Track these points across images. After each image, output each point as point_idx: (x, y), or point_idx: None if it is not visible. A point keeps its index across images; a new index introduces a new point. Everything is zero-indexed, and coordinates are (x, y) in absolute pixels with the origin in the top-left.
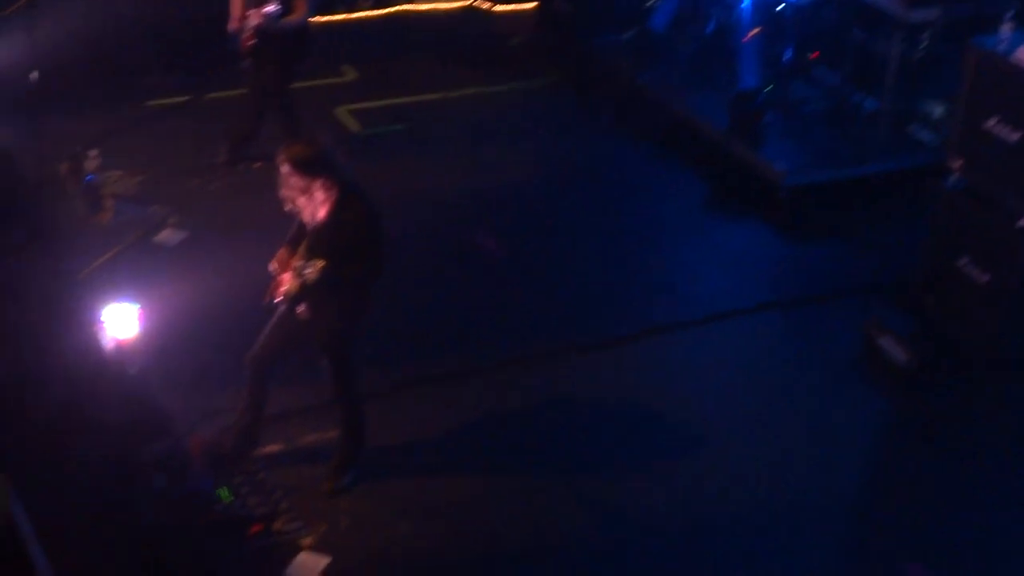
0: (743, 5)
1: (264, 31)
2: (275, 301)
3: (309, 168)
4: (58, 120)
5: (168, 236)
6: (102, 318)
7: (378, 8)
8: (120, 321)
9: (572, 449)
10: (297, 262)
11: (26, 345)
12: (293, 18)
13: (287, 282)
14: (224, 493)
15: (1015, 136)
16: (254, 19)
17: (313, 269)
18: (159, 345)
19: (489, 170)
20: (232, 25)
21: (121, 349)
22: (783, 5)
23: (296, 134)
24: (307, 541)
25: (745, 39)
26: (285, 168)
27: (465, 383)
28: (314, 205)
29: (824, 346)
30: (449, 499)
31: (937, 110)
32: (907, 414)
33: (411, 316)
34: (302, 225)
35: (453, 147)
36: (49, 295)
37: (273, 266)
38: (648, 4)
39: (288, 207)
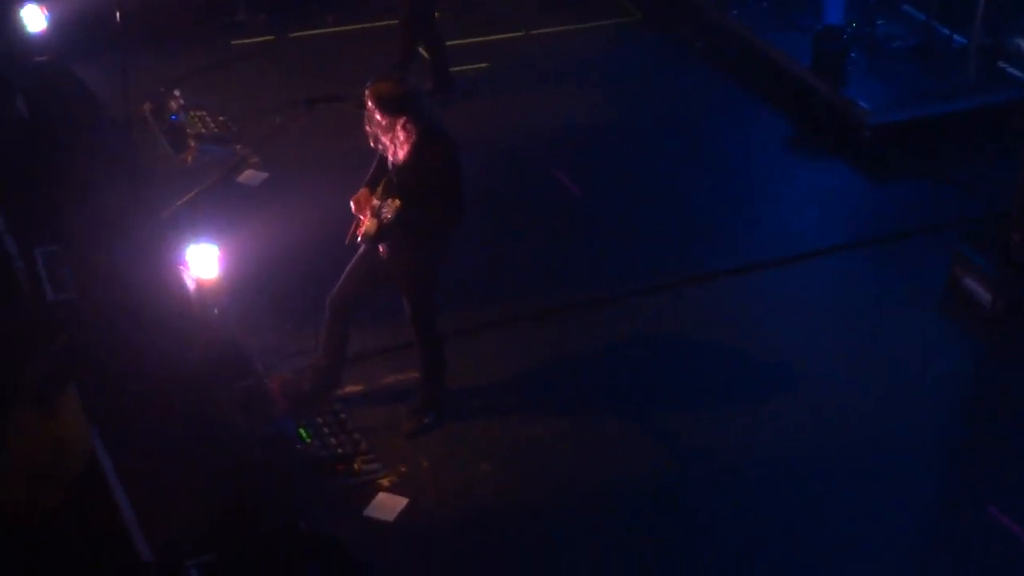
0: None
1: None
2: (356, 241)
3: (393, 106)
4: (142, 60)
5: (250, 176)
6: (184, 258)
7: None
8: (202, 261)
9: (657, 389)
10: (376, 202)
11: (113, 284)
12: None
13: (367, 222)
14: (304, 433)
15: None
16: None
17: (390, 209)
18: (240, 286)
19: (571, 108)
20: None
21: (203, 289)
22: None
23: (442, 65)
24: (386, 481)
25: None
26: (370, 104)
27: (548, 323)
28: (397, 145)
29: (910, 284)
30: (530, 440)
31: None
32: (992, 355)
33: (492, 257)
34: (382, 163)
35: (535, 85)
36: (135, 234)
37: (353, 206)
38: None
39: (373, 144)
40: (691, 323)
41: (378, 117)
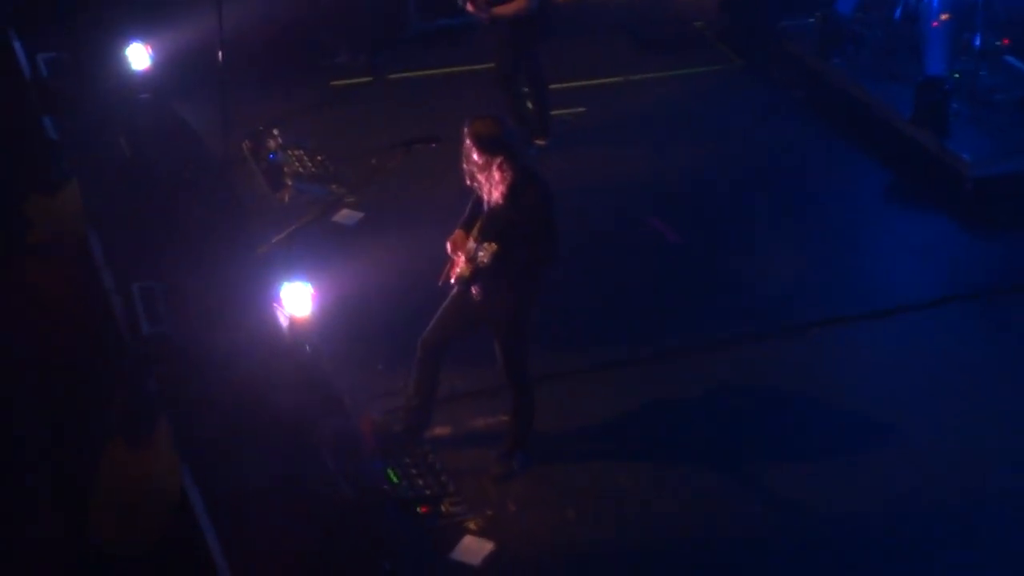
0: None
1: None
2: (450, 283)
3: (489, 146)
4: (243, 99)
5: (345, 216)
6: (279, 296)
7: None
8: (295, 299)
9: (752, 439)
10: (471, 244)
11: (208, 320)
12: (511, 7)
13: (461, 264)
14: (392, 474)
15: None
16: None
17: (486, 252)
18: (332, 325)
19: (668, 154)
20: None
21: (296, 328)
22: None
23: (517, 115)
24: (473, 524)
25: (933, 24)
26: (467, 143)
27: (640, 369)
28: (492, 184)
29: (1015, 340)
30: (619, 488)
31: None
32: None
33: (586, 301)
34: (477, 204)
35: (632, 131)
36: (231, 271)
37: (448, 247)
38: None
39: (468, 181)
40: (788, 374)
41: (475, 156)
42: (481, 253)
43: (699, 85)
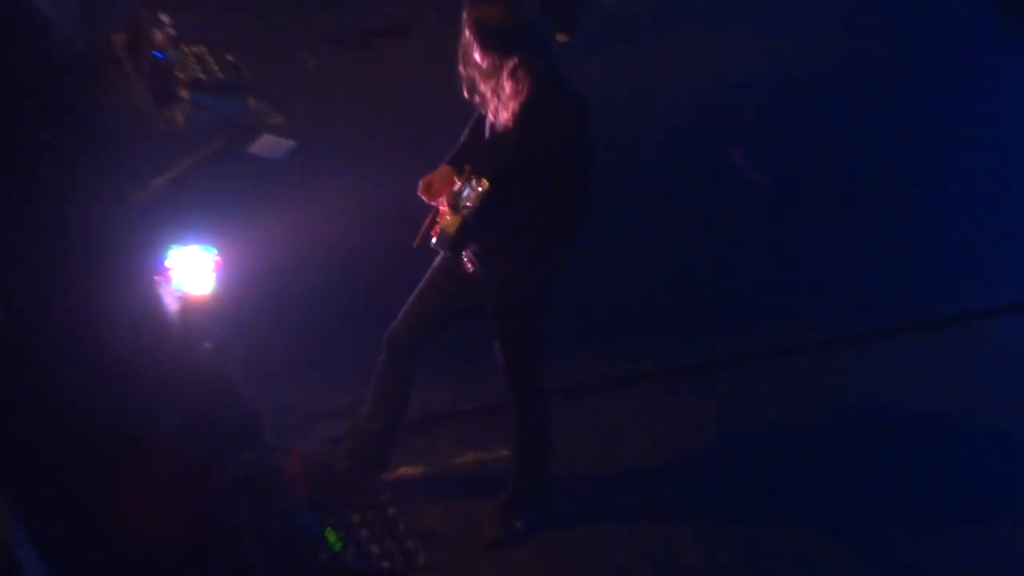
0: None
1: None
2: (430, 245)
3: (500, 39)
4: None
5: (268, 145)
6: (165, 265)
7: None
8: (191, 271)
9: (845, 482)
10: (458, 183)
11: (53, 302)
12: None
13: (445, 216)
14: (332, 536)
15: None
16: None
17: (474, 193)
18: (247, 310)
19: (762, 56)
20: None
21: (191, 313)
22: None
23: None
24: None
25: None
26: (468, 34)
27: (699, 383)
28: (500, 99)
29: None
30: (661, 556)
31: None
32: None
33: (625, 281)
34: (478, 128)
35: (709, 20)
36: (89, 228)
37: (422, 188)
38: None
39: (467, 94)
40: (905, 384)
41: (477, 55)
42: (467, 195)
43: None
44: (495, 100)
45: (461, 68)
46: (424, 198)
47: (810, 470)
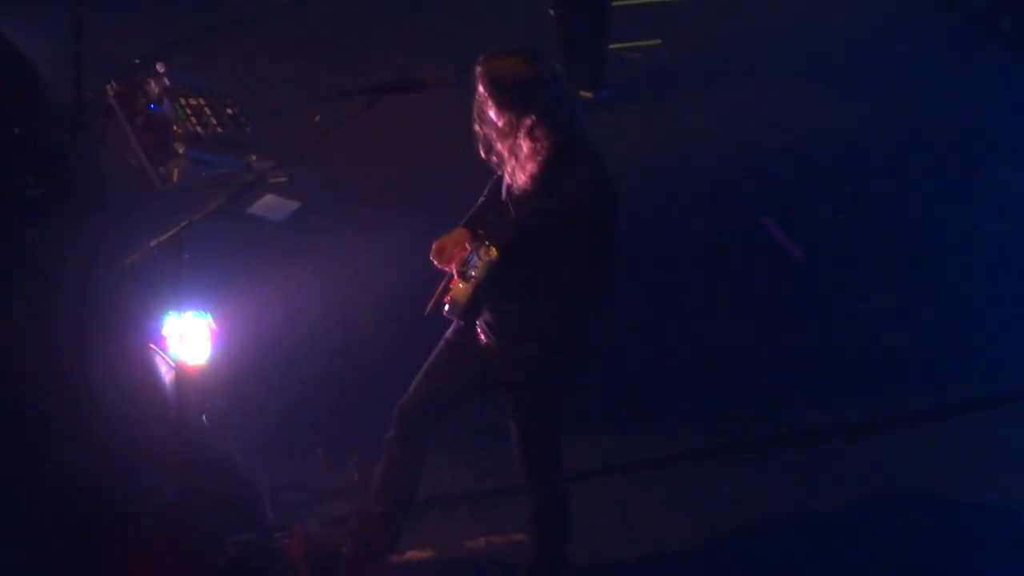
0: None
1: None
2: (443, 312)
3: (517, 96)
4: (111, 16)
5: (270, 205)
6: (160, 334)
7: None
8: (187, 339)
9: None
10: (471, 247)
11: (39, 375)
12: None
13: (456, 284)
14: None
15: None
16: None
17: (481, 262)
18: (246, 381)
19: (795, 116)
20: None
21: (186, 384)
22: None
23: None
24: None
25: None
26: (482, 90)
27: (718, 464)
28: (517, 160)
29: None
30: None
31: None
32: None
33: (650, 354)
34: (496, 191)
35: (737, 78)
36: (78, 293)
37: (434, 252)
38: None
39: (483, 153)
40: (946, 470)
41: (492, 113)
42: (474, 261)
43: (845, 6)
44: (512, 161)
45: (476, 127)
46: (436, 263)
47: (837, 557)
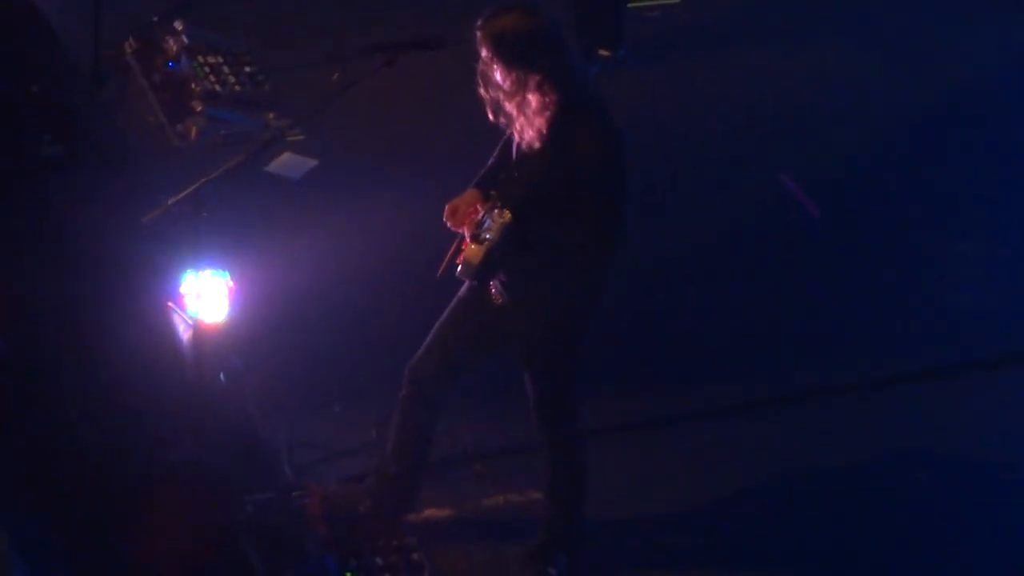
0: None
1: None
2: (456, 273)
3: (520, 56)
4: None
5: (288, 163)
6: (178, 292)
7: None
8: (205, 297)
9: (881, 525)
10: (481, 211)
11: (59, 330)
12: None
13: (468, 244)
14: None
15: None
16: None
17: (495, 224)
18: (263, 340)
19: (816, 77)
20: None
21: (204, 342)
22: None
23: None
24: None
25: None
26: (485, 52)
27: (737, 422)
28: (526, 119)
29: None
30: None
31: None
32: None
33: (666, 313)
34: (507, 150)
35: (757, 38)
36: (97, 251)
37: (447, 214)
38: None
39: (492, 116)
40: (956, 427)
41: (498, 74)
42: (488, 225)
43: None
44: (521, 118)
45: (482, 91)
46: (449, 224)
47: (848, 516)
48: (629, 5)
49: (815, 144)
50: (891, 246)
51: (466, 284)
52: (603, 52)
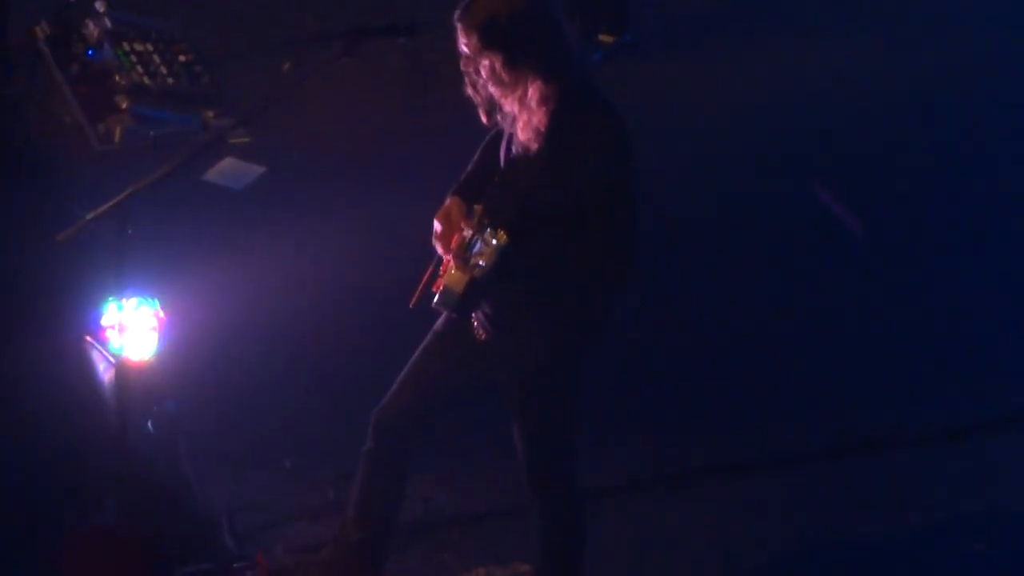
0: None
1: None
2: (433, 303)
3: (513, 34)
4: None
5: (230, 170)
6: (99, 323)
7: None
8: (130, 330)
9: None
10: (467, 231)
11: None
12: None
13: (451, 268)
14: None
15: None
16: None
17: (488, 249)
18: (199, 379)
19: (852, 68)
20: None
21: (130, 381)
22: None
23: None
24: None
25: None
26: (472, 43)
27: (754, 480)
28: (524, 116)
29: None
30: None
31: None
32: None
33: (669, 356)
34: (491, 151)
35: (783, 22)
36: (5, 272)
37: (436, 227)
38: None
39: (485, 118)
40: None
41: (493, 65)
42: (479, 247)
43: None
44: (524, 115)
45: (469, 90)
46: (438, 246)
47: None
48: None
49: (864, 145)
50: (945, 268)
51: (444, 316)
52: (604, 37)
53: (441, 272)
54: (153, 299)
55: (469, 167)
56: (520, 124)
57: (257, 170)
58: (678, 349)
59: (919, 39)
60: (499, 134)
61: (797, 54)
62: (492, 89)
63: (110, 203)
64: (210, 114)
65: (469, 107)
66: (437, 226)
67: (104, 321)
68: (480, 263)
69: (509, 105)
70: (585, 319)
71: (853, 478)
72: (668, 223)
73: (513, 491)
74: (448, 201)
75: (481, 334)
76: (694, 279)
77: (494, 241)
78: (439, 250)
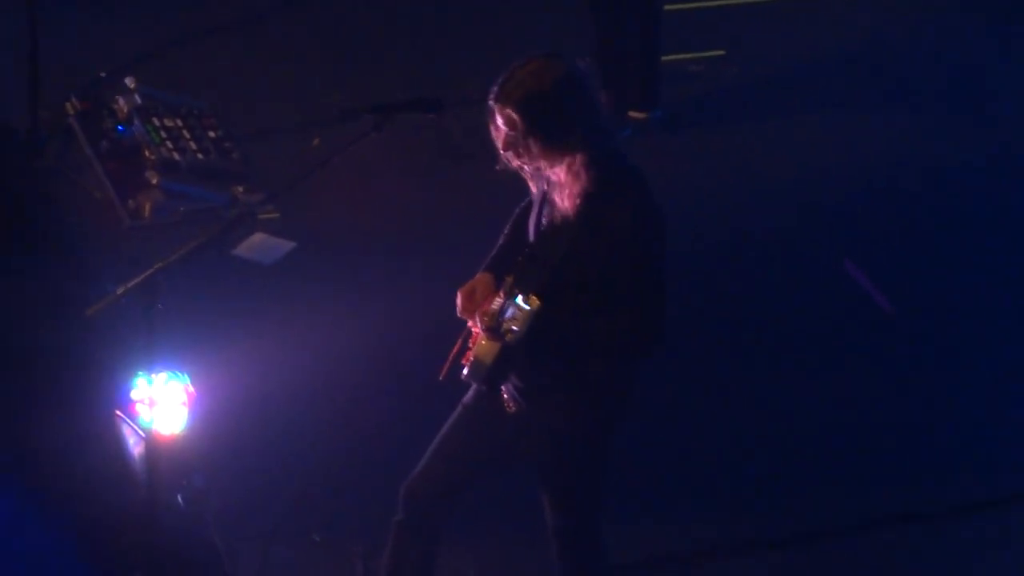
0: None
1: None
2: (462, 375)
3: (554, 103)
4: (71, 22)
5: (259, 246)
6: (129, 399)
7: None
8: (160, 405)
9: None
10: (498, 300)
11: None
12: None
13: (480, 339)
14: None
15: None
16: None
17: (521, 315)
18: (229, 455)
19: (883, 142)
20: None
21: (159, 456)
22: None
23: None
24: None
25: None
26: (511, 118)
27: (784, 556)
28: (562, 189)
29: None
30: None
31: None
32: None
33: (710, 423)
34: (522, 224)
35: (811, 95)
36: (33, 344)
37: (459, 302)
38: None
39: (533, 187)
40: None
41: (536, 138)
42: (511, 313)
43: (945, 15)
44: (572, 182)
45: (516, 162)
46: (463, 316)
47: None
48: (664, 58)
49: (896, 221)
50: (984, 342)
51: (473, 389)
52: (635, 114)
53: (470, 345)
54: (183, 374)
55: (500, 241)
56: (559, 194)
57: (287, 245)
58: (702, 424)
59: (943, 116)
60: (528, 207)
61: (827, 130)
62: (530, 162)
63: (140, 278)
64: (239, 189)
65: (496, 181)
66: (460, 300)
67: (134, 395)
68: (513, 328)
69: (556, 176)
70: (614, 391)
71: (880, 553)
72: (699, 296)
73: (541, 563)
74: (477, 276)
75: (511, 406)
76: (720, 352)
77: (527, 306)
78: (465, 319)
